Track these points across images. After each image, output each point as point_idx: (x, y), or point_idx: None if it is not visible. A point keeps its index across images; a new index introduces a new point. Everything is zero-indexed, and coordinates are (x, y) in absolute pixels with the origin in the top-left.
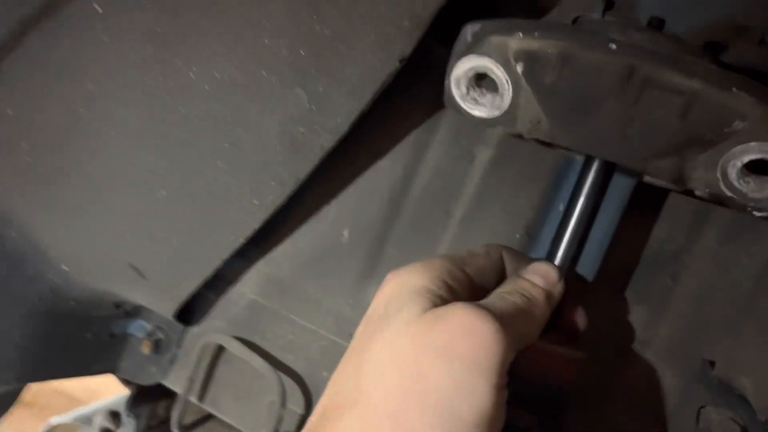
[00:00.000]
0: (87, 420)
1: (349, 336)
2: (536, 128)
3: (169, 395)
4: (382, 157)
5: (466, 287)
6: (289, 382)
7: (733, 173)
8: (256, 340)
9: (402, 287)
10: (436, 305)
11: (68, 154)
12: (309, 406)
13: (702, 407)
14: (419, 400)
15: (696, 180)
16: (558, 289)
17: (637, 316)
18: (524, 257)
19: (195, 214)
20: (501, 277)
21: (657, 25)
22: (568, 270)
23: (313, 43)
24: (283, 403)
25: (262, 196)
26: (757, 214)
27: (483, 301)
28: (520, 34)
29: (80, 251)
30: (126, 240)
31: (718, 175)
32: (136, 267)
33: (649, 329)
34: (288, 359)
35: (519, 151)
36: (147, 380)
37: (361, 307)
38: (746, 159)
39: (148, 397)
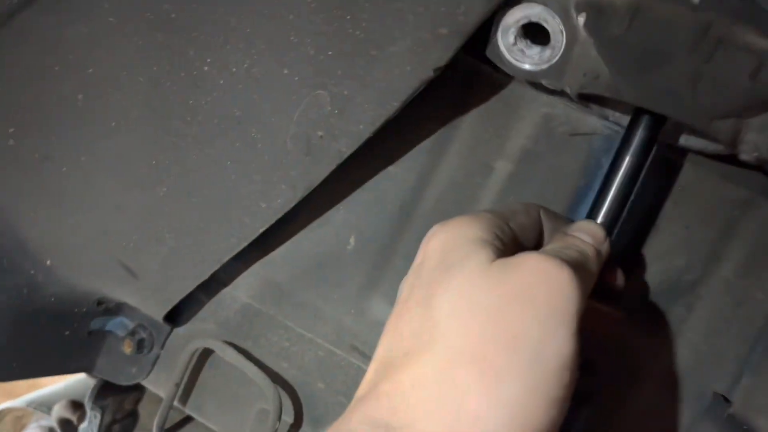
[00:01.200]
0: (43, 406)
1: (350, 347)
2: (593, 83)
3: (139, 388)
4: (395, 164)
5: (512, 241)
6: (280, 391)
7: None
8: (248, 345)
9: (457, 238)
10: (497, 255)
11: (59, 141)
12: (300, 417)
13: None
14: (504, 345)
15: (746, 143)
16: (605, 247)
17: (649, 344)
18: (561, 218)
19: (196, 214)
20: (540, 236)
21: None
22: (609, 229)
23: (343, 43)
24: (279, 415)
25: (270, 200)
26: None
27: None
28: None
29: (67, 246)
30: (119, 237)
31: None
32: (128, 266)
33: (660, 359)
34: (282, 367)
35: (539, 168)
36: (126, 380)
37: (363, 317)
38: None
39: (116, 388)
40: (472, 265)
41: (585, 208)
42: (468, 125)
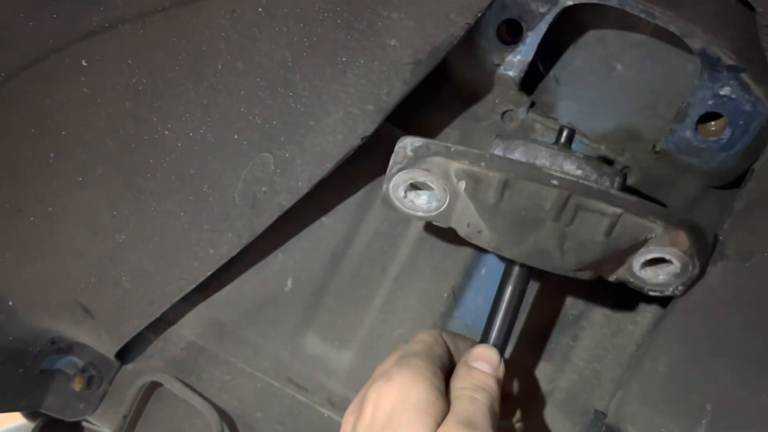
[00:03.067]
0: None
1: (286, 380)
2: (477, 236)
3: (76, 430)
4: (328, 215)
5: (442, 372)
6: (223, 423)
7: (636, 266)
8: (192, 380)
9: (404, 402)
10: (437, 421)
11: (30, 193)
12: None
13: None
14: None
15: (608, 270)
16: (501, 370)
17: (542, 370)
18: (459, 336)
19: (150, 259)
20: (450, 355)
21: (569, 135)
22: (501, 348)
23: (286, 115)
24: None
25: (218, 247)
26: (651, 293)
27: (462, 412)
28: (466, 162)
29: (30, 288)
30: (78, 279)
31: (625, 268)
32: (86, 306)
33: (552, 383)
34: (223, 399)
35: None
36: (74, 416)
37: (298, 352)
38: (648, 257)
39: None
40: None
41: (489, 254)
42: None
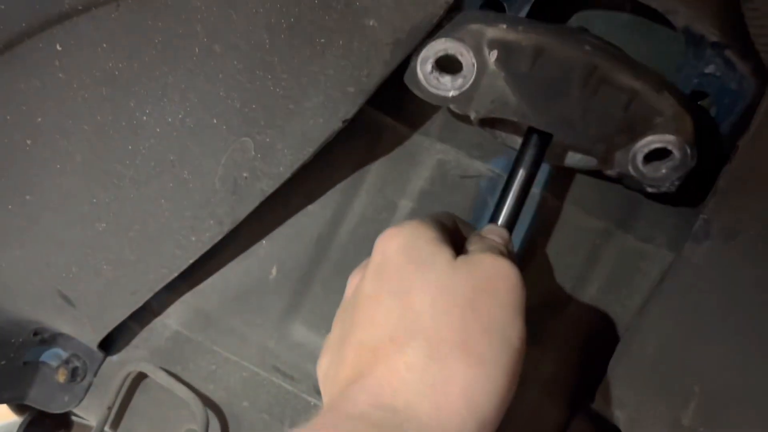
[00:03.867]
0: None
1: (272, 368)
2: (502, 108)
3: (66, 425)
4: (314, 202)
5: (452, 243)
6: (208, 411)
7: (640, 157)
8: (178, 370)
9: (417, 239)
10: (453, 255)
11: (6, 182)
12: None
13: None
14: (480, 332)
15: (613, 161)
16: (511, 246)
17: (529, 355)
18: (468, 223)
19: (132, 247)
20: (462, 238)
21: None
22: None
23: (265, 99)
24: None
25: (199, 234)
26: (649, 189)
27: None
28: (504, 26)
29: (8, 278)
30: (59, 268)
31: (630, 157)
32: (67, 296)
33: (538, 367)
34: (209, 389)
35: (435, 205)
36: (58, 408)
37: (284, 340)
38: (652, 147)
39: (43, 426)
40: (441, 261)
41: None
42: (376, 169)
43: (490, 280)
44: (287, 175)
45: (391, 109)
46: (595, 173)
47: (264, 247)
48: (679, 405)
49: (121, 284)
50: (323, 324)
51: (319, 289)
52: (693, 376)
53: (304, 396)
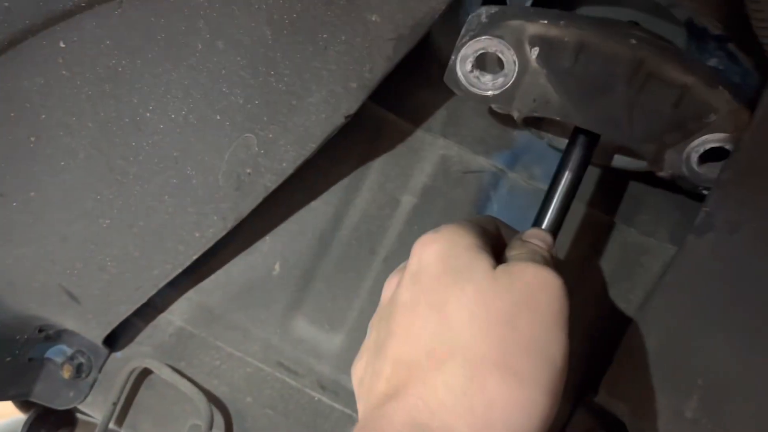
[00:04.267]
0: None
1: (276, 364)
2: (545, 107)
3: (71, 422)
4: (316, 198)
5: (492, 249)
6: (212, 407)
7: (695, 158)
8: (182, 366)
9: (455, 246)
10: (492, 264)
11: (11, 179)
12: (230, 430)
13: None
14: (521, 351)
15: (665, 162)
16: (554, 252)
17: None
18: (511, 228)
19: (135, 243)
20: (502, 243)
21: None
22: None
23: (268, 94)
24: (210, 429)
25: (203, 230)
26: (704, 192)
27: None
28: (545, 21)
29: (14, 274)
30: (64, 265)
31: (684, 158)
32: (71, 292)
33: None
34: (213, 384)
35: (438, 201)
36: (63, 405)
37: (288, 336)
38: (708, 146)
39: (48, 422)
40: (480, 271)
41: None
42: (378, 165)
43: (532, 294)
44: (290, 170)
45: (394, 105)
46: (648, 176)
47: (267, 243)
48: (683, 397)
49: (125, 280)
50: (326, 320)
51: (322, 284)
52: (696, 368)
53: (308, 391)
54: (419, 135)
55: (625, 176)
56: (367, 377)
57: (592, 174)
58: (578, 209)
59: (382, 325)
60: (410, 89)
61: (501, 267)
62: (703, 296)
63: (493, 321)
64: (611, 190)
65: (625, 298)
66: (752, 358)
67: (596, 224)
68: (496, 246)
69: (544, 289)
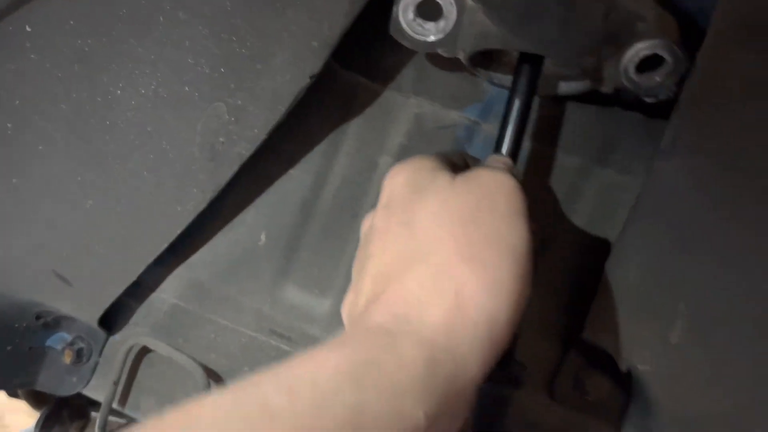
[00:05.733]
0: None
1: (269, 332)
2: (485, 40)
3: (83, 416)
4: (295, 167)
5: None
6: (211, 381)
7: (632, 68)
8: (179, 342)
9: (419, 170)
10: (453, 176)
11: None
12: None
13: (579, 372)
14: (484, 243)
15: (605, 78)
16: (515, 171)
17: None
18: (477, 159)
19: (120, 222)
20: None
21: None
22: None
23: (233, 61)
24: None
25: (184, 203)
26: (648, 100)
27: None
28: None
29: (4, 261)
30: (51, 248)
31: (622, 69)
32: (62, 275)
33: (530, 306)
34: (210, 358)
35: None
36: (67, 391)
37: (278, 304)
38: (642, 54)
39: (60, 419)
40: (440, 183)
41: None
42: (353, 129)
43: (489, 193)
44: (262, 136)
45: (363, 69)
46: (592, 98)
47: (250, 214)
48: (666, 324)
49: (113, 259)
50: (315, 285)
51: (308, 251)
52: (677, 294)
53: None
54: (391, 96)
55: (590, 115)
56: (352, 303)
57: (561, 119)
58: (551, 156)
59: (361, 255)
60: (379, 52)
61: (459, 176)
62: (676, 221)
63: (457, 221)
64: (583, 133)
65: (607, 237)
66: (730, 278)
67: (571, 169)
68: (461, 171)
69: (501, 189)
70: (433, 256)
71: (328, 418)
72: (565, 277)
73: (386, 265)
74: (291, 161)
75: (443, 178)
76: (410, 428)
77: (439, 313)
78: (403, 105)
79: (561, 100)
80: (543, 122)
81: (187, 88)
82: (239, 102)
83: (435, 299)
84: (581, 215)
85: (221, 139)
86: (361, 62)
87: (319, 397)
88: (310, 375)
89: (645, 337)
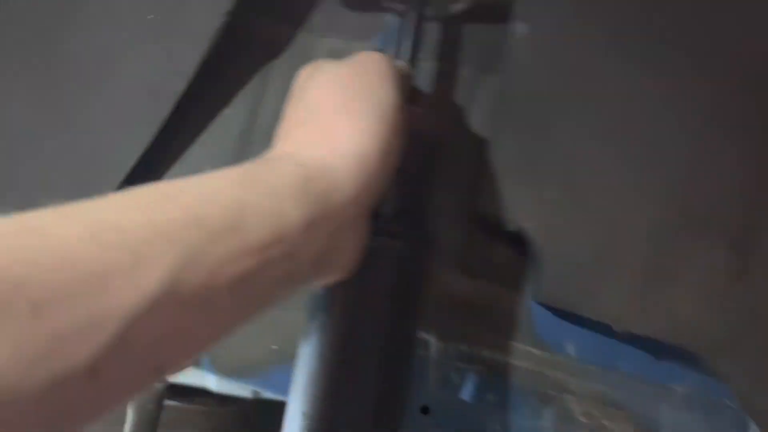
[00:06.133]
0: None
1: None
2: None
3: None
4: (229, 106)
5: None
6: None
7: None
8: None
9: (314, 65)
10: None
11: None
12: None
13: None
14: (359, 97)
15: None
16: (406, 71)
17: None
18: None
19: (78, 162)
20: None
21: None
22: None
23: (158, 5)
24: None
25: (135, 137)
26: None
27: None
28: None
29: None
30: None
31: None
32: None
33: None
34: None
35: None
36: None
37: None
38: None
39: None
40: (328, 65)
41: None
42: (278, 70)
43: (364, 65)
44: (192, 71)
45: (275, 16)
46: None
47: (195, 151)
48: (542, 183)
49: (72, 199)
50: None
51: None
52: (550, 155)
53: None
54: (305, 37)
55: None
56: None
57: (457, 38)
58: (450, 72)
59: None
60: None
61: (344, 59)
62: (536, 89)
63: (338, 88)
64: (474, 48)
65: None
66: (594, 135)
67: (465, 79)
68: None
69: (373, 61)
70: (318, 116)
71: (214, 206)
72: (470, 166)
73: (287, 128)
74: (225, 102)
75: (330, 63)
76: (286, 225)
77: (316, 151)
78: (319, 46)
79: (454, 21)
80: (442, 43)
81: (124, 35)
82: (167, 41)
83: (315, 143)
84: (477, 116)
85: (156, 78)
86: (273, 10)
87: (207, 192)
88: (199, 178)
89: (523, 198)
